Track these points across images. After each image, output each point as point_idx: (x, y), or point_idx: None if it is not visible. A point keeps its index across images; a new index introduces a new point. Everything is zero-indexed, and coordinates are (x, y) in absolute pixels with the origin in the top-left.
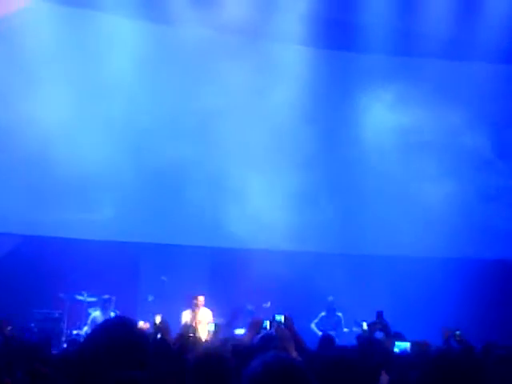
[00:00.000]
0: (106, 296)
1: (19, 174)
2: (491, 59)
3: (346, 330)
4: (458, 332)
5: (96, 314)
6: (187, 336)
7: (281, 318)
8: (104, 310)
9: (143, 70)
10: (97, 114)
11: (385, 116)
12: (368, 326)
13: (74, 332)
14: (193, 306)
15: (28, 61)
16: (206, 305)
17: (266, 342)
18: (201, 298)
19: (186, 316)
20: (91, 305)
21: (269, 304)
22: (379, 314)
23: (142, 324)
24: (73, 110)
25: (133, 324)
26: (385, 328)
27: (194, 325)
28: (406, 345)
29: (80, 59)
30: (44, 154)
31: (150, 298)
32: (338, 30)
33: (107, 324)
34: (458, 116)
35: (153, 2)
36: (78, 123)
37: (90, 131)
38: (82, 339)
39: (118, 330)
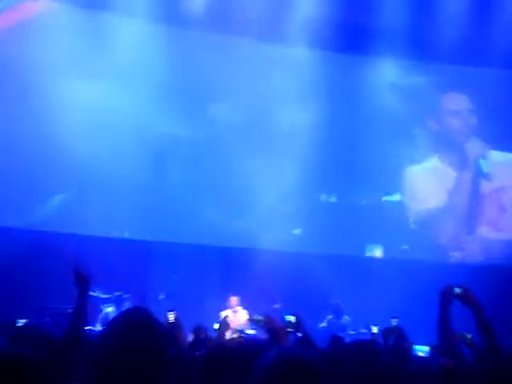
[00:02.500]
0: (119, 293)
1: (38, 172)
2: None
3: (352, 332)
4: (469, 335)
5: (109, 311)
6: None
7: (291, 318)
8: (117, 306)
9: (159, 73)
10: (114, 115)
11: None
12: (382, 331)
13: (87, 328)
14: (229, 307)
15: (45, 63)
16: (218, 304)
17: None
18: (234, 298)
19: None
20: (104, 301)
21: (279, 305)
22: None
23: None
24: (91, 112)
25: (152, 316)
26: (400, 332)
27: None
28: (425, 349)
29: (97, 62)
30: (62, 152)
31: (161, 297)
32: (350, 33)
33: (127, 315)
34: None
35: (169, 4)
36: (96, 124)
37: (109, 131)
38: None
39: (139, 321)
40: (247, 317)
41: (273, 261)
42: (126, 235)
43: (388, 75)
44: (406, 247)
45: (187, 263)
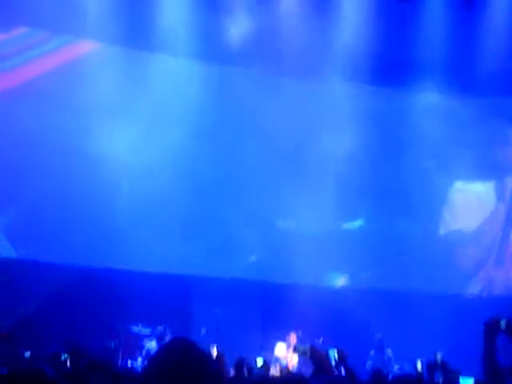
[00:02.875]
0: (161, 328)
1: (82, 208)
2: None
3: (396, 366)
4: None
5: (151, 346)
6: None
7: (334, 352)
8: (159, 341)
9: (197, 109)
10: (159, 151)
11: None
12: (427, 365)
13: (129, 362)
14: (288, 342)
15: (88, 102)
16: (259, 338)
17: None
18: (294, 335)
19: (280, 348)
20: (146, 336)
21: (321, 340)
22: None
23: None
24: (136, 148)
25: (198, 348)
26: (445, 366)
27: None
28: (470, 381)
29: (142, 99)
30: (107, 188)
31: (204, 331)
32: (388, 66)
33: (173, 345)
34: None
35: (207, 43)
36: (141, 159)
37: (153, 167)
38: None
39: (185, 351)
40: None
41: (311, 294)
42: (168, 270)
43: (429, 106)
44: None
45: (229, 297)
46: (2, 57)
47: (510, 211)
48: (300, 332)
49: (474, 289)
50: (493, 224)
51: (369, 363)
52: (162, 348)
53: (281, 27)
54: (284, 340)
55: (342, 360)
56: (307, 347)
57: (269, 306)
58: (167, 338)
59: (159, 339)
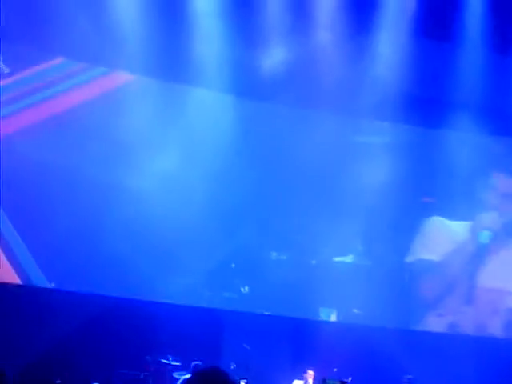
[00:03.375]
0: (191, 361)
1: (115, 240)
2: None
3: None
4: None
5: (180, 378)
6: None
7: None
8: (189, 374)
9: (235, 144)
10: (190, 185)
11: None
12: None
13: None
14: (304, 378)
15: (126, 134)
16: (290, 374)
17: None
18: (310, 372)
19: None
20: (176, 369)
21: (350, 379)
22: None
23: None
24: (168, 180)
25: (230, 377)
26: None
27: None
28: None
29: (174, 131)
30: (136, 218)
31: (233, 366)
32: (430, 108)
33: (207, 371)
34: None
35: (240, 76)
36: (173, 191)
37: (183, 199)
38: None
39: (217, 378)
40: None
41: (342, 332)
42: (200, 304)
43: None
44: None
45: (259, 332)
46: (38, 87)
47: (479, 250)
48: (334, 369)
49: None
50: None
51: None
52: (195, 373)
53: (315, 60)
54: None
55: None
56: (337, 382)
57: (298, 343)
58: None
59: (189, 372)
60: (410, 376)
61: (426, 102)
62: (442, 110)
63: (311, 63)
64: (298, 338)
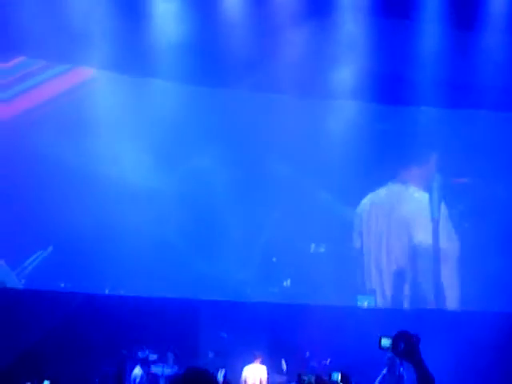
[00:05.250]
0: (168, 353)
1: (83, 232)
2: None
3: None
4: None
5: (158, 371)
6: None
7: (338, 375)
8: (167, 365)
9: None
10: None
11: None
12: None
13: None
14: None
15: (89, 125)
16: (267, 361)
17: None
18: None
19: (246, 372)
20: (152, 361)
21: (328, 361)
22: None
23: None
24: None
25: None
26: None
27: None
28: None
29: (140, 121)
30: (111, 211)
31: (211, 355)
32: (389, 84)
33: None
34: None
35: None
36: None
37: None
38: None
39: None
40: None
41: (321, 316)
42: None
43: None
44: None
45: (236, 321)
46: (2, 85)
47: None
48: (308, 353)
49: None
50: None
51: (378, 380)
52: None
53: (275, 44)
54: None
55: (346, 383)
56: (312, 377)
57: (278, 328)
58: (172, 362)
59: (166, 364)
60: (391, 355)
61: (388, 78)
62: (403, 87)
63: (272, 47)
64: (276, 324)
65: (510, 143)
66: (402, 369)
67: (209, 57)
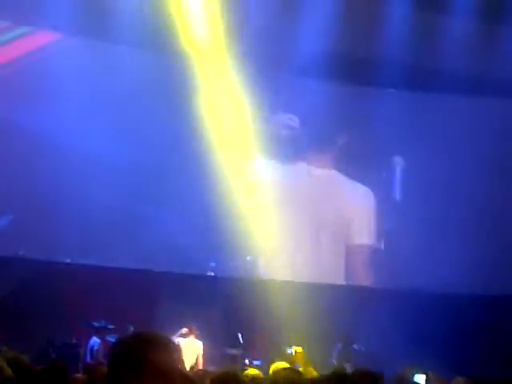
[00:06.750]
0: (123, 324)
1: (46, 201)
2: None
3: None
4: None
5: (114, 340)
6: None
7: (292, 350)
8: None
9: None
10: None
11: None
12: None
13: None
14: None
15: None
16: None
17: None
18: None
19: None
20: (109, 331)
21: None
22: None
23: None
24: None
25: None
26: None
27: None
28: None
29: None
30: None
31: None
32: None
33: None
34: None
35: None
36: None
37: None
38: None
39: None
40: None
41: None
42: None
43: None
44: None
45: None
46: None
47: None
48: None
49: None
50: None
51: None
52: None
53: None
54: None
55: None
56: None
57: (235, 303)
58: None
59: (122, 335)
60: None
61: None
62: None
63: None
64: (232, 299)
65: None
66: (355, 345)
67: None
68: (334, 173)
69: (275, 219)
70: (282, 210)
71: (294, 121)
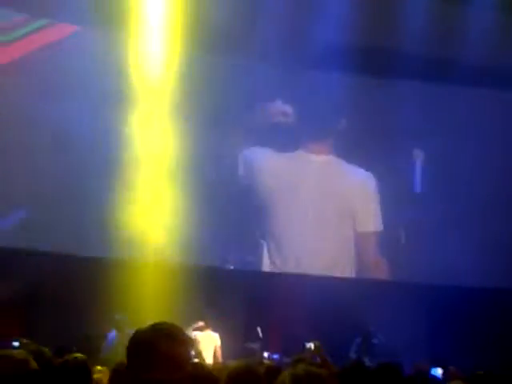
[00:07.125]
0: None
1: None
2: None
3: None
4: None
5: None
6: None
7: (311, 345)
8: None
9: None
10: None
11: None
12: None
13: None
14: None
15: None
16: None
17: None
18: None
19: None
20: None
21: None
22: None
23: None
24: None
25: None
26: None
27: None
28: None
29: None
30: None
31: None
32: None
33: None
34: None
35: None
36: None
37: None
38: None
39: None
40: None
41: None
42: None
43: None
44: None
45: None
46: None
47: None
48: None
49: None
50: None
51: (352, 349)
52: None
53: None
54: None
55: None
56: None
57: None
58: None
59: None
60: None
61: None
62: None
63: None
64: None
65: None
66: (375, 338)
67: None
68: (333, 158)
69: (278, 208)
70: (283, 199)
71: (289, 109)
